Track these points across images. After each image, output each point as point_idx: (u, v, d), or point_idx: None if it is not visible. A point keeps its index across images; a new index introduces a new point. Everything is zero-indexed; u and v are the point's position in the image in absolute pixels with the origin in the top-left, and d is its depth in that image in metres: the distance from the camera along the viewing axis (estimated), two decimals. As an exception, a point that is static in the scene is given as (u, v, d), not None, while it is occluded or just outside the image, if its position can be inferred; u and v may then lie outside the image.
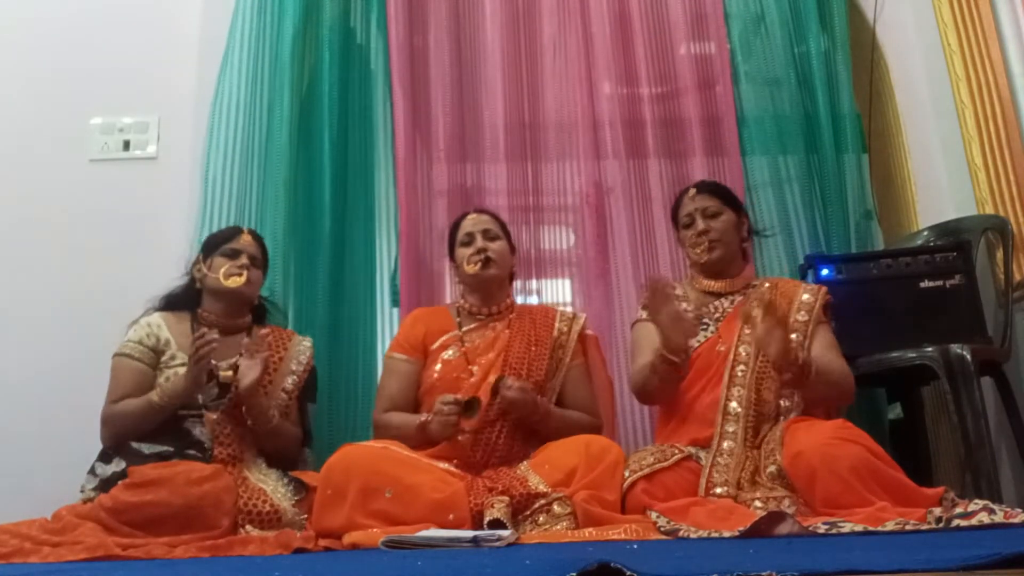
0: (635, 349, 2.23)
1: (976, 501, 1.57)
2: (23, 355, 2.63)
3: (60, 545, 1.62)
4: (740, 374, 2.03)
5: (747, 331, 2.06)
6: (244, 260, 2.18)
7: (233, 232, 2.25)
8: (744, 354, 2.07)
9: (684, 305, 2.21)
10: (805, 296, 2.16)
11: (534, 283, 2.80)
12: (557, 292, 2.81)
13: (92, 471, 1.98)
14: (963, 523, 1.47)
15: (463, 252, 2.27)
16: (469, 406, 1.99)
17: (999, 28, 2.49)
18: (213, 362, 2.00)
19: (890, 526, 1.48)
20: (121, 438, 2.00)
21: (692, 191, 2.29)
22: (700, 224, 2.21)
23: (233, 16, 2.84)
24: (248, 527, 1.80)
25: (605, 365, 2.41)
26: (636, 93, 2.89)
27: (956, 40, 2.61)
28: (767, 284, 2.23)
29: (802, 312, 2.12)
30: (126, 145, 2.87)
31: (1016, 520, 1.45)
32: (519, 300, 2.69)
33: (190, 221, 2.64)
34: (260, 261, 2.25)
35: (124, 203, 2.77)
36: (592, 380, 2.27)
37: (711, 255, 2.19)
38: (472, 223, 2.31)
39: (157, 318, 2.16)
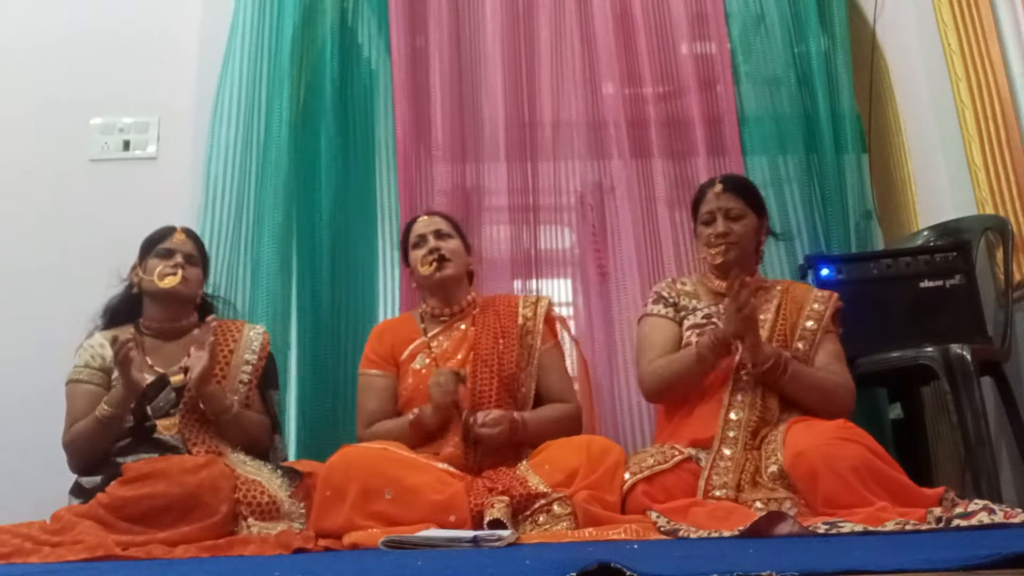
0: (645, 344, 2.16)
1: (976, 501, 1.57)
2: (22, 354, 2.63)
3: (60, 545, 1.61)
4: (745, 379, 2.00)
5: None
6: (178, 259, 2.12)
7: (166, 232, 2.18)
8: None
9: (694, 303, 2.19)
10: (815, 305, 2.12)
11: (534, 283, 2.79)
12: (557, 292, 2.80)
13: (76, 488, 1.96)
14: (963, 523, 1.47)
15: (416, 254, 2.24)
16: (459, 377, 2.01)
17: (999, 28, 2.49)
18: (160, 370, 1.99)
19: (890, 526, 1.48)
20: (83, 460, 1.98)
21: (719, 187, 2.16)
22: (720, 226, 2.13)
23: (233, 16, 2.84)
24: (250, 520, 1.80)
25: (578, 344, 2.40)
26: (636, 93, 2.88)
27: (956, 40, 2.61)
28: (779, 287, 2.20)
29: (811, 321, 2.09)
30: (126, 145, 2.87)
31: (1016, 520, 1.45)
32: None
33: (190, 221, 2.64)
34: (197, 259, 2.20)
35: (124, 203, 2.77)
36: (564, 361, 2.25)
37: (727, 258, 2.12)
38: (423, 225, 2.28)
39: (99, 338, 2.13)
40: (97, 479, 1.92)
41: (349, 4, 2.94)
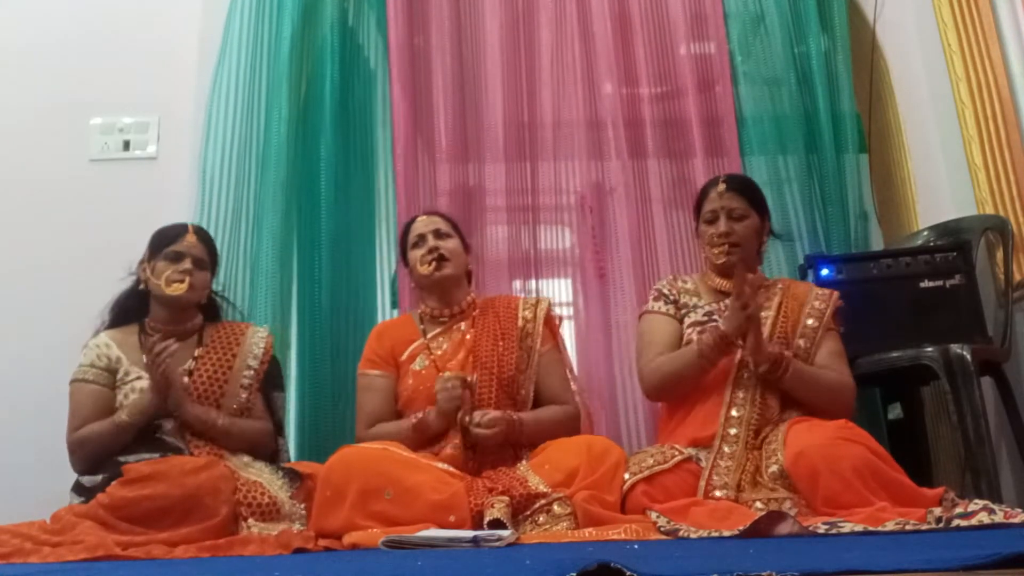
0: (645, 341, 2.15)
1: (976, 501, 1.57)
2: (23, 355, 2.63)
3: (60, 545, 1.62)
4: (746, 377, 2.00)
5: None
6: (187, 264, 2.09)
7: (177, 232, 2.14)
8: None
9: (695, 300, 2.18)
10: (817, 303, 2.11)
11: (534, 283, 2.79)
12: (556, 292, 2.80)
13: (77, 487, 1.95)
14: (963, 523, 1.47)
15: (415, 254, 2.24)
16: (466, 382, 2.01)
17: (999, 28, 2.49)
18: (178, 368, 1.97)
19: (890, 526, 1.48)
20: (91, 463, 1.97)
21: (722, 186, 2.15)
22: (723, 225, 2.12)
23: (228, 15, 2.84)
24: (250, 520, 1.80)
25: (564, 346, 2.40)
26: (636, 93, 2.88)
27: (956, 40, 2.61)
28: (779, 285, 2.19)
29: (812, 319, 2.09)
30: (126, 145, 2.87)
31: (1016, 520, 1.45)
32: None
33: (190, 221, 2.64)
34: (206, 262, 2.17)
35: (124, 203, 2.77)
36: (563, 363, 2.25)
37: (729, 259, 2.11)
38: (423, 225, 2.28)
39: (104, 337, 2.12)
40: (98, 478, 1.92)
41: (349, 4, 2.94)
